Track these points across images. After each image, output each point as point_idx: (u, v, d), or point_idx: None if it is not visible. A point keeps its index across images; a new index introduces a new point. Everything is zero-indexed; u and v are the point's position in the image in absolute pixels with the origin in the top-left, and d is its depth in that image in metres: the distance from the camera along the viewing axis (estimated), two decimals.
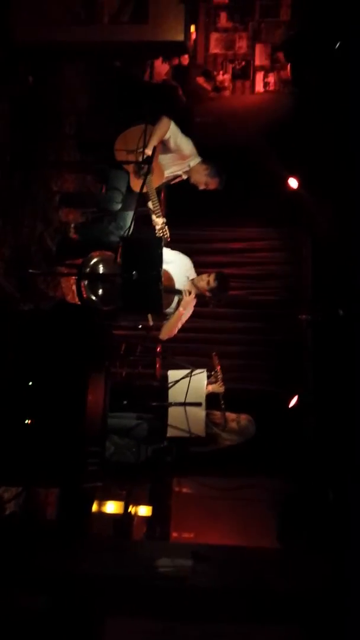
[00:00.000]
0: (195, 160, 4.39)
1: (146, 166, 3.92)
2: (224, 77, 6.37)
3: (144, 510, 4.73)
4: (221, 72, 6.41)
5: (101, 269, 4.10)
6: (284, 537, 4.83)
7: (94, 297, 4.10)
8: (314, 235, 5.76)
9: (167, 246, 4.15)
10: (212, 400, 4.12)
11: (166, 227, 4.14)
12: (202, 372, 4.11)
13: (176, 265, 4.26)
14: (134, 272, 3.59)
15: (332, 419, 4.99)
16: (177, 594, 2.44)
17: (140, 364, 5.17)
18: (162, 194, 5.04)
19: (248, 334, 5.71)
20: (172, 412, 4.01)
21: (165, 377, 4.21)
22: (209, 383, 4.14)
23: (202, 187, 4.45)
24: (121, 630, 2.37)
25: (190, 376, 4.06)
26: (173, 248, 4.35)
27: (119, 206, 4.30)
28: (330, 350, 5.26)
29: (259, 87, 6.40)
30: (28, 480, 2.81)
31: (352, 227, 5.29)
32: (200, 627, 2.39)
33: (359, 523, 3.90)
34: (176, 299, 4.28)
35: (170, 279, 4.19)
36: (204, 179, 4.41)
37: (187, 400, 3.99)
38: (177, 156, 4.35)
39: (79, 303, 4.20)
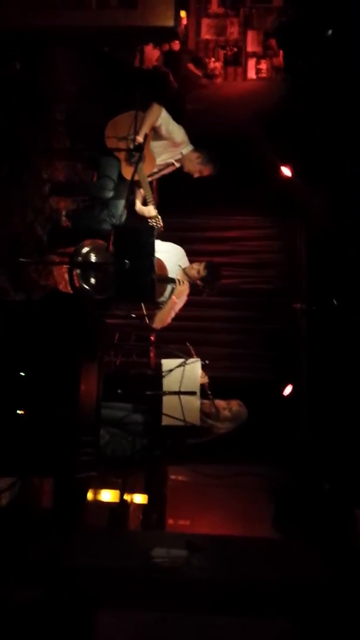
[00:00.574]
0: (187, 148, 4.35)
1: (137, 154, 3.88)
2: (215, 65, 6.31)
3: (140, 499, 4.73)
4: (212, 60, 6.34)
5: (93, 258, 4.06)
6: (279, 524, 4.84)
7: (86, 286, 4.07)
8: (308, 224, 5.74)
9: (160, 235, 4.13)
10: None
11: (159, 216, 4.12)
12: (197, 361, 4.10)
13: (168, 254, 4.24)
14: (127, 261, 3.55)
15: (326, 408, 5.00)
16: (171, 585, 2.43)
17: (134, 352, 5.15)
18: (154, 182, 5.01)
19: (242, 322, 5.70)
20: (167, 401, 3.99)
21: (160, 365, 4.20)
22: None
23: (196, 175, 4.42)
24: (113, 622, 2.36)
25: (185, 365, 4.05)
26: (165, 237, 4.32)
27: (111, 194, 4.26)
28: (325, 339, 5.26)
29: (251, 73, 6.35)
30: (22, 471, 2.79)
31: (346, 215, 5.27)
32: (194, 619, 2.38)
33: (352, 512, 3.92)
34: (169, 288, 4.26)
35: (163, 267, 4.17)
36: (197, 167, 4.38)
37: (182, 389, 3.98)
38: (169, 143, 4.31)
39: (71, 292, 4.17)
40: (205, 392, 4.01)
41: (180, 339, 5.19)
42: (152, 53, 5.59)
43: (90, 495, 4.32)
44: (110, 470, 4.56)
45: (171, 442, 4.18)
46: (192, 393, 3.97)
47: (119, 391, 4.20)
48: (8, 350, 2.75)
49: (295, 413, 5.20)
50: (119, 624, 2.36)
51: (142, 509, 4.81)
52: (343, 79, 5.46)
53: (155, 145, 4.29)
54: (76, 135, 4.77)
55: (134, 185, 4.14)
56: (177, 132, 4.27)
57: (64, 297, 4.13)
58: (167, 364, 4.13)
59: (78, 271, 4.06)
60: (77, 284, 4.07)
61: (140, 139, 3.94)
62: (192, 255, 4.45)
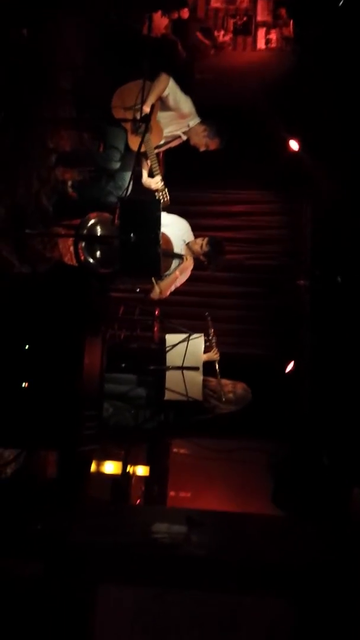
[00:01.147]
0: (194, 120, 4.29)
1: (144, 124, 3.81)
2: (224, 38, 6.16)
3: (142, 471, 4.78)
4: (222, 32, 6.19)
5: (99, 231, 4.03)
6: (278, 500, 4.90)
7: (91, 260, 4.05)
8: (315, 199, 5.68)
9: (165, 209, 4.08)
10: (207, 368, 4.12)
11: (165, 190, 4.07)
12: (200, 336, 4.10)
13: (174, 227, 4.20)
14: (132, 235, 3.52)
15: (328, 385, 5.02)
16: (170, 562, 2.46)
17: (138, 326, 5.15)
18: (161, 155, 4.94)
19: (246, 298, 5.68)
20: (170, 375, 4.02)
21: (164, 340, 4.20)
22: (204, 351, 4.12)
23: (202, 148, 4.36)
24: (113, 597, 2.41)
25: (188, 340, 4.06)
26: (170, 210, 4.28)
27: (118, 165, 4.20)
28: (328, 316, 5.25)
29: (261, 44, 6.20)
30: (26, 443, 2.81)
31: (352, 191, 5.22)
32: (192, 595, 2.43)
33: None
34: (174, 262, 4.23)
35: (168, 242, 4.14)
36: (203, 140, 4.31)
37: (185, 365, 4.00)
38: (176, 115, 4.24)
39: (77, 265, 4.14)
40: (214, 369, 4.03)
41: (184, 314, 5.20)
42: (161, 21, 5.45)
43: (93, 467, 4.37)
44: (113, 442, 4.60)
45: (173, 417, 4.22)
46: (195, 368, 3.99)
47: (123, 365, 4.22)
48: (12, 323, 2.74)
49: (297, 389, 5.22)
50: (118, 599, 2.40)
51: (144, 481, 4.87)
52: (354, 50, 5.35)
53: (163, 116, 4.22)
54: (83, 105, 4.68)
55: (141, 156, 4.08)
56: (185, 103, 4.20)
57: (69, 269, 4.10)
58: (170, 339, 4.14)
59: (83, 244, 4.04)
60: (82, 257, 4.05)
61: (147, 109, 3.87)
62: (196, 230, 4.41)
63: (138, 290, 4.51)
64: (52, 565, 2.39)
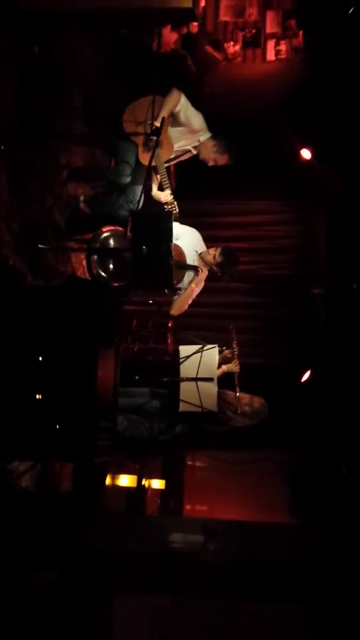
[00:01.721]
0: (204, 135, 4.33)
1: (154, 138, 3.85)
2: (234, 49, 6.20)
3: (157, 484, 4.76)
4: (231, 43, 6.23)
5: (111, 244, 4.06)
6: (296, 510, 4.84)
7: (104, 273, 4.07)
8: (328, 208, 5.66)
9: (176, 221, 4.10)
10: (226, 379, 4.10)
11: (175, 202, 4.10)
12: (214, 347, 4.09)
13: (185, 239, 4.21)
14: (144, 247, 3.54)
15: (344, 394, 4.96)
16: (187, 570, 2.44)
17: (151, 339, 5.16)
18: (172, 167, 4.97)
19: (260, 308, 5.66)
20: (184, 387, 4.01)
21: (177, 352, 4.20)
22: (223, 362, 4.12)
23: (211, 163, 4.40)
24: (130, 607, 2.39)
25: (202, 351, 4.05)
26: (183, 222, 4.30)
27: (129, 179, 4.24)
28: (343, 324, 5.20)
29: (270, 55, 6.21)
30: (40, 455, 2.82)
31: None
32: (209, 604, 2.40)
33: None
34: (187, 274, 4.24)
35: (181, 254, 4.15)
36: (212, 156, 4.35)
37: (199, 376, 3.98)
38: (187, 130, 4.28)
39: (89, 279, 4.17)
40: (233, 381, 4.02)
41: (198, 326, 5.20)
42: (170, 36, 5.50)
43: (108, 480, 4.37)
44: (128, 455, 4.60)
45: (188, 429, 4.20)
46: (209, 379, 3.97)
47: (137, 377, 4.22)
48: (26, 335, 2.76)
49: (313, 399, 5.17)
50: (135, 609, 2.38)
51: (159, 495, 4.85)
52: None
53: (173, 132, 4.26)
54: (94, 120, 4.74)
55: (151, 170, 4.11)
56: (196, 119, 4.24)
57: (82, 283, 4.13)
58: (184, 350, 4.14)
59: (96, 258, 4.07)
60: (95, 271, 4.07)
61: (157, 123, 3.90)
62: (209, 241, 4.42)
63: (151, 302, 4.52)
64: (68, 574, 2.38)
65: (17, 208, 3.79)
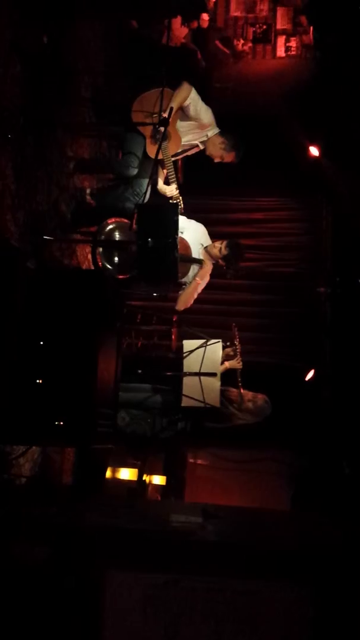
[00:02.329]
0: (213, 131, 4.29)
1: (162, 129, 3.81)
2: (244, 47, 6.17)
3: (158, 480, 4.73)
4: (242, 41, 6.21)
5: (117, 236, 4.03)
6: (297, 508, 4.80)
7: (109, 265, 4.04)
8: (335, 206, 5.62)
9: (181, 215, 4.07)
10: (229, 376, 4.07)
11: (180, 197, 4.06)
12: (218, 342, 4.06)
13: (190, 232, 4.18)
14: (150, 240, 3.50)
15: (348, 393, 4.92)
16: (183, 547, 2.40)
17: (155, 335, 5.12)
18: (180, 162, 4.94)
19: (266, 306, 5.62)
20: (187, 382, 3.98)
21: (181, 348, 4.17)
22: (226, 359, 4.08)
23: (217, 159, 4.35)
24: (122, 582, 2.35)
25: (206, 346, 4.02)
26: (189, 217, 4.27)
27: (135, 171, 4.21)
28: (348, 323, 5.16)
29: (281, 51, 6.19)
30: (40, 439, 2.79)
31: None
32: (205, 581, 2.36)
33: None
34: (192, 268, 4.21)
35: (187, 247, 4.12)
36: (220, 152, 4.31)
37: (202, 371, 3.95)
38: (196, 124, 4.24)
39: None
40: (236, 378, 3.98)
41: (204, 323, 5.16)
42: (181, 30, 5.49)
43: (109, 473, 4.34)
44: (130, 451, 4.57)
45: (190, 425, 4.16)
46: (212, 374, 3.94)
47: (139, 371, 4.19)
48: (28, 320, 2.72)
49: (317, 397, 5.13)
50: (129, 585, 2.34)
51: (160, 491, 4.82)
52: None
53: (182, 126, 4.23)
54: (102, 112, 4.71)
55: (159, 164, 4.08)
56: (205, 114, 4.20)
57: (85, 271, 4.10)
58: (188, 344, 4.11)
59: (101, 250, 4.04)
60: (100, 263, 4.04)
61: (166, 114, 3.87)
62: (215, 238, 4.38)
63: (155, 295, 4.48)
64: (60, 549, 2.34)
65: (23, 198, 3.76)
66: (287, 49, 6.13)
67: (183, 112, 4.14)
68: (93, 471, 4.26)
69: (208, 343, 4.01)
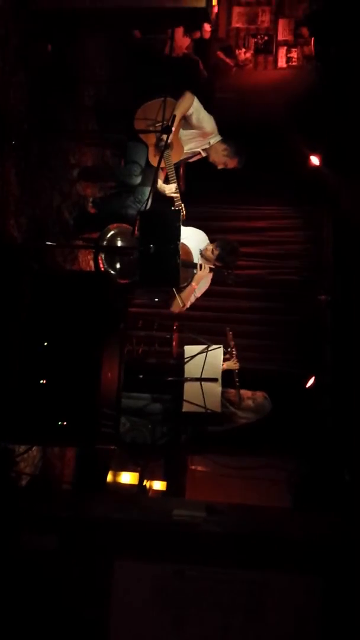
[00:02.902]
0: (215, 139, 4.34)
1: (165, 137, 3.85)
2: (246, 56, 6.24)
3: (159, 485, 4.74)
4: (243, 50, 6.28)
5: (119, 242, 4.07)
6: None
7: (111, 271, 4.07)
8: (336, 214, 5.65)
9: (184, 223, 4.10)
10: (226, 377, 4.08)
11: (179, 195, 4.10)
12: (219, 347, 4.08)
13: (191, 239, 4.21)
14: (152, 245, 3.54)
15: (349, 400, 4.92)
16: (190, 539, 2.42)
17: (156, 341, 5.14)
18: (181, 170, 4.98)
19: (267, 313, 5.64)
20: (188, 387, 3.99)
21: (182, 355, 4.18)
22: (224, 360, 4.10)
23: (220, 166, 4.41)
24: (130, 573, 2.37)
25: (207, 352, 4.03)
26: (189, 224, 4.30)
27: (138, 180, 4.25)
28: (349, 330, 5.17)
29: (282, 62, 6.26)
30: (43, 438, 2.80)
31: None
32: (212, 572, 2.37)
33: None
34: (194, 273, 4.23)
35: (188, 253, 4.15)
36: (222, 159, 4.36)
37: (203, 376, 3.96)
38: (198, 133, 4.29)
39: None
40: (233, 379, 4.00)
41: (205, 330, 5.18)
42: (183, 41, 5.55)
43: (109, 478, 4.35)
44: (130, 457, 4.57)
45: (191, 430, 4.17)
46: (214, 380, 3.96)
47: (140, 376, 4.20)
48: (33, 321, 2.75)
49: (318, 405, 5.13)
50: (137, 575, 2.36)
51: (160, 495, 4.82)
52: None
53: (184, 134, 4.28)
54: (105, 121, 4.76)
55: (160, 170, 4.11)
56: (208, 122, 4.25)
57: (89, 274, 4.13)
58: (189, 350, 4.13)
59: (103, 255, 4.07)
60: (102, 269, 4.07)
61: (168, 123, 3.91)
62: None
63: (157, 300, 4.50)
64: (68, 539, 2.36)
65: (26, 204, 3.80)
66: (289, 59, 6.20)
67: (186, 121, 4.19)
68: (94, 473, 4.27)
69: (209, 349, 4.03)
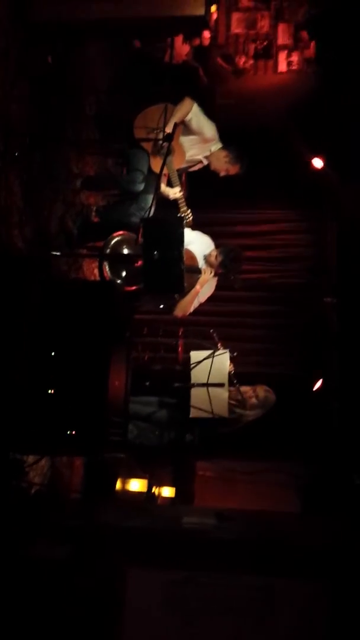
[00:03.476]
0: (216, 145, 4.36)
1: (166, 144, 3.87)
2: (246, 62, 6.25)
3: (168, 492, 4.74)
4: (243, 58, 6.28)
5: (123, 250, 4.08)
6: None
7: (116, 279, 4.08)
8: (339, 217, 5.66)
9: (188, 227, 4.12)
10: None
11: (183, 198, 4.11)
12: (225, 352, 4.07)
13: (197, 244, 4.22)
14: (155, 252, 3.55)
15: (357, 403, 4.91)
16: (200, 545, 2.42)
17: (162, 348, 5.15)
18: (184, 176, 5.00)
19: (272, 317, 5.64)
20: (195, 393, 3.98)
21: (188, 360, 4.18)
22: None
23: (222, 173, 4.42)
24: (142, 579, 2.37)
25: (213, 357, 4.03)
26: (194, 229, 4.31)
27: (141, 187, 4.27)
28: (355, 333, 5.17)
29: (282, 67, 6.25)
30: (52, 448, 2.81)
31: None
32: (223, 577, 2.37)
33: None
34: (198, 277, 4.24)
35: (193, 258, 4.16)
36: (224, 166, 4.38)
37: (210, 381, 3.96)
38: (199, 139, 4.31)
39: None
40: (231, 380, 4.00)
41: (209, 334, 5.18)
42: (182, 48, 5.57)
43: (118, 485, 4.35)
44: (139, 464, 4.57)
45: (199, 435, 4.17)
46: (220, 385, 3.95)
47: (147, 383, 4.21)
48: (40, 330, 2.76)
49: (325, 408, 5.12)
50: (148, 582, 2.36)
51: (169, 502, 4.81)
52: None
53: (185, 140, 4.30)
54: (106, 129, 4.79)
55: (163, 177, 4.12)
56: (208, 128, 4.27)
57: (94, 283, 4.15)
58: (195, 355, 4.12)
59: (107, 264, 4.09)
60: (107, 277, 4.09)
61: (169, 129, 3.93)
62: None
63: (162, 306, 4.51)
64: (81, 547, 2.37)
65: (30, 215, 3.82)
66: (289, 63, 6.19)
67: (186, 127, 4.21)
68: (103, 481, 4.27)
69: (215, 354, 4.02)
